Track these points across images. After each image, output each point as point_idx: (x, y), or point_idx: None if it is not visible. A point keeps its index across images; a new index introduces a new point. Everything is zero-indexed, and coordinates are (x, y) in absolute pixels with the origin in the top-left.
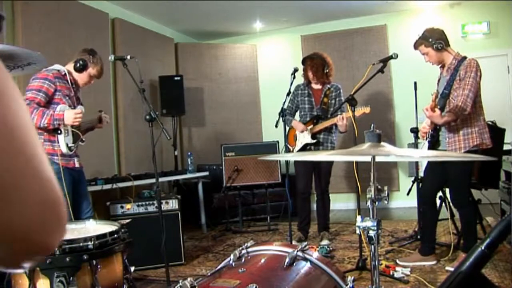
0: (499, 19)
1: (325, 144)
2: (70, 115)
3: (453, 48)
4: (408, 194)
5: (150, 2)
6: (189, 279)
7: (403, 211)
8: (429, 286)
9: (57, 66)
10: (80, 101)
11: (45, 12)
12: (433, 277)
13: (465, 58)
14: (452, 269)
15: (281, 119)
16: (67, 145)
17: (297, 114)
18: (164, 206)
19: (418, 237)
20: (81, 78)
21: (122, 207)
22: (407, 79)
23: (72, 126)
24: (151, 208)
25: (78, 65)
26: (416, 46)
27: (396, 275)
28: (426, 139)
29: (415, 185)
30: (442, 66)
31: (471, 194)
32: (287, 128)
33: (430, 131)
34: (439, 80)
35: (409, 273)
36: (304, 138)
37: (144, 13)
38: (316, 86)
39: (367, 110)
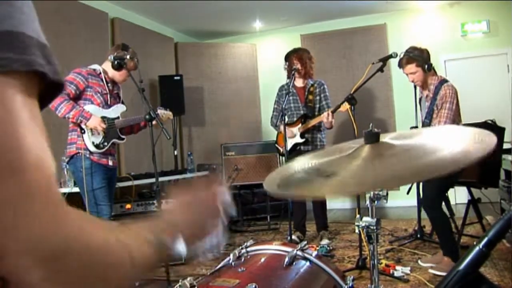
0: (498, 18)
1: (314, 143)
2: (95, 120)
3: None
4: (408, 193)
5: (150, 2)
6: (189, 278)
7: (403, 210)
8: (429, 286)
9: (93, 66)
10: (121, 99)
11: (45, 12)
12: (433, 276)
13: (442, 82)
14: (436, 272)
15: (280, 118)
16: (93, 143)
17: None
18: (164, 206)
19: (418, 236)
20: (120, 75)
21: (122, 206)
22: (407, 78)
23: (93, 129)
24: (151, 208)
25: (116, 63)
26: (404, 64)
27: (396, 274)
28: None
29: (415, 184)
30: (422, 86)
31: (445, 199)
32: (281, 129)
33: None
34: (420, 99)
35: (409, 272)
36: (293, 138)
37: (144, 12)
38: (299, 84)
39: (344, 108)
